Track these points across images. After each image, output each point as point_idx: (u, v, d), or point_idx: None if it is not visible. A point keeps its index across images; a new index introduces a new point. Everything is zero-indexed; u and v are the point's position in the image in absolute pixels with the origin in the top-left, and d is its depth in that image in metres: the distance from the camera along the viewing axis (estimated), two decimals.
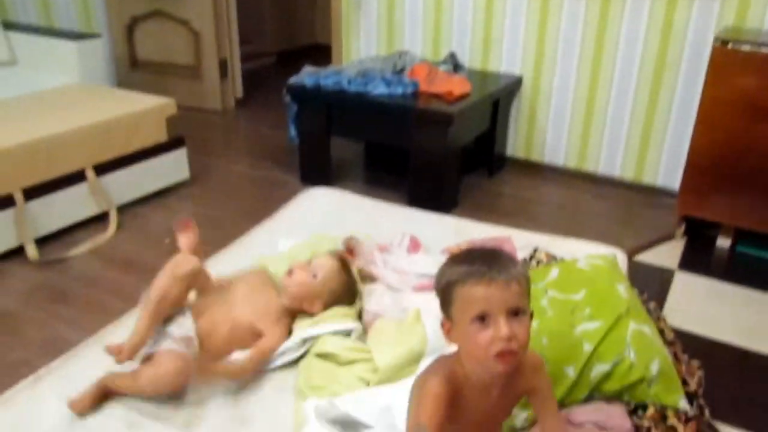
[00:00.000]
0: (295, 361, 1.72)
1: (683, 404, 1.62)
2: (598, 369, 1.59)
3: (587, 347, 1.61)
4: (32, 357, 2.12)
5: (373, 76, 3.25)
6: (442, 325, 1.15)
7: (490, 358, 1.06)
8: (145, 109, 3.21)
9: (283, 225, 2.50)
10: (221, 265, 2.17)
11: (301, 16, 6.76)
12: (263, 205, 3.28)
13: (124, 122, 3.12)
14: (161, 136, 3.27)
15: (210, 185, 3.54)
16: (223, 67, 4.67)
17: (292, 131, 3.44)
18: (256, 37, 6.24)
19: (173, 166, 3.38)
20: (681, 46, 3.23)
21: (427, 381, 1.14)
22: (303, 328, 1.76)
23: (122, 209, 3.16)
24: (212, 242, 2.88)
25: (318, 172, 3.47)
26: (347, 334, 1.77)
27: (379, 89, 3.17)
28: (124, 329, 1.81)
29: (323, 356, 1.69)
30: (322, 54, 6.06)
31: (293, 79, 3.34)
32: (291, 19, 6.69)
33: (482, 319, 1.06)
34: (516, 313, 1.07)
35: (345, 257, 1.94)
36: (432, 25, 3.80)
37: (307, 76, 3.33)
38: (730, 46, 2.71)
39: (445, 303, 1.13)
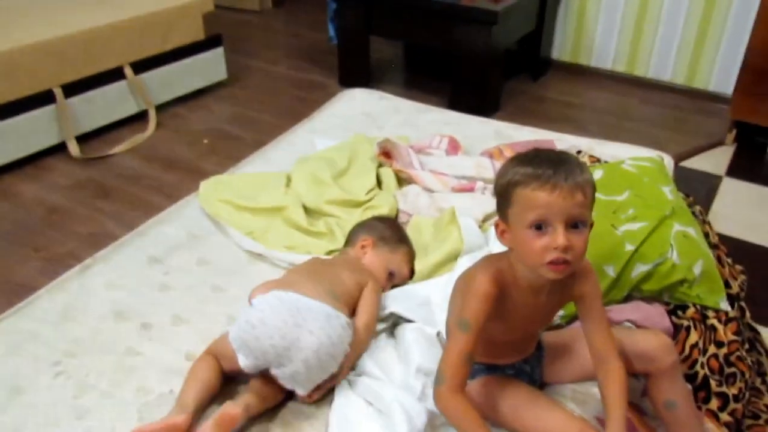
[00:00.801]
0: None
1: (724, 305, 1.61)
2: (640, 269, 1.57)
3: (629, 247, 1.59)
4: (79, 250, 2.19)
5: None
6: (496, 225, 1.12)
7: (543, 265, 1.04)
8: (182, 5, 3.15)
9: (320, 125, 2.48)
10: (259, 163, 2.18)
11: None
12: (301, 106, 3.25)
13: (161, 18, 3.07)
14: (198, 34, 3.23)
15: (248, 86, 3.51)
16: None
17: (332, 31, 3.36)
18: None
19: (210, 66, 3.35)
20: None
21: (475, 278, 1.13)
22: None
23: (161, 108, 3.16)
24: (251, 143, 2.90)
25: (357, 73, 3.40)
26: None
27: None
28: (166, 224, 1.86)
29: None
30: None
31: None
32: None
33: (540, 226, 1.03)
34: (576, 224, 1.04)
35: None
36: None
37: None
38: None
39: (503, 203, 1.09)
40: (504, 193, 1.08)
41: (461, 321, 1.12)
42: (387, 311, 1.49)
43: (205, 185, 1.98)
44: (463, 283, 1.16)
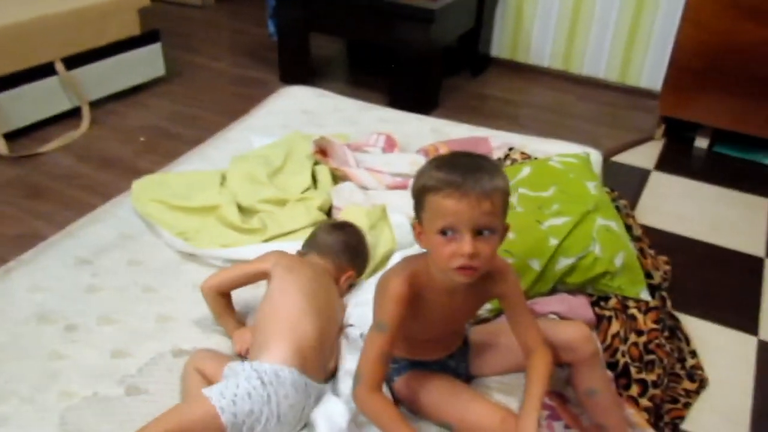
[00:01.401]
0: None
1: (644, 295, 1.68)
2: (563, 262, 1.63)
3: (553, 241, 1.64)
4: (5, 253, 2.12)
5: None
6: (413, 227, 1.15)
7: (451, 269, 1.07)
8: None
9: (258, 123, 2.47)
10: (195, 161, 2.16)
11: None
12: (242, 103, 3.21)
13: (94, 12, 3.00)
14: (134, 29, 3.16)
15: (187, 82, 3.46)
16: None
17: (271, 27, 3.34)
18: None
19: (148, 62, 3.29)
20: None
21: (389, 281, 1.16)
22: (279, 239, 1.74)
23: (96, 105, 3.09)
24: (189, 141, 2.86)
25: (298, 70, 3.39)
26: None
27: None
28: (97, 224, 1.83)
29: None
30: None
31: None
32: None
33: (448, 232, 1.06)
34: (484, 231, 1.06)
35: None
36: None
37: None
38: None
39: (418, 207, 1.12)
40: (418, 196, 1.11)
41: (377, 322, 1.15)
42: None
43: (138, 184, 1.95)
44: (380, 286, 1.18)
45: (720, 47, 2.74)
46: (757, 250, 2.33)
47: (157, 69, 3.35)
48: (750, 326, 1.97)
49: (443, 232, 1.06)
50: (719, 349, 1.87)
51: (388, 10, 2.97)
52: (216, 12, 4.57)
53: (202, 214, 1.85)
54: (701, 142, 3.02)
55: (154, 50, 3.29)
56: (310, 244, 1.57)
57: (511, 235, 1.66)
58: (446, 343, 1.32)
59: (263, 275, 1.42)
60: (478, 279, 1.12)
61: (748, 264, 2.26)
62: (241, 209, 1.86)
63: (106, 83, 3.12)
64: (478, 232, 1.05)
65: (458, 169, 1.06)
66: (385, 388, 1.31)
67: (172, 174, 2.08)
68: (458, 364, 1.36)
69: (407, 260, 1.23)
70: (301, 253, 1.56)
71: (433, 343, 1.30)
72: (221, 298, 1.45)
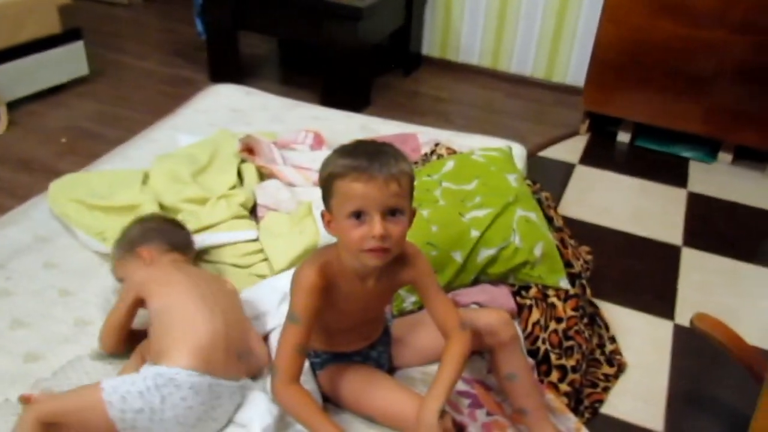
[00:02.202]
0: None
1: (564, 283, 1.73)
2: (485, 253, 1.66)
3: (474, 233, 1.67)
4: None
5: None
6: (323, 215, 1.15)
7: (362, 251, 1.09)
8: None
9: (184, 121, 2.43)
10: (117, 161, 2.11)
11: None
12: (170, 103, 3.15)
13: (10, 9, 2.89)
14: (54, 27, 3.06)
15: (113, 82, 3.37)
16: None
17: (200, 26, 3.29)
18: None
19: (69, 61, 3.18)
20: None
21: (301, 273, 1.16)
22: (199, 233, 1.72)
23: (14, 106, 2.97)
24: (113, 141, 2.78)
25: (228, 69, 3.34)
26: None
27: None
28: (10, 226, 1.76)
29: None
30: None
31: None
32: None
33: (358, 215, 1.07)
34: (393, 212, 1.08)
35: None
36: None
37: None
38: None
39: (326, 194, 1.13)
40: (326, 184, 1.12)
41: (290, 314, 1.15)
42: (257, 311, 1.49)
43: (56, 185, 1.89)
44: (293, 277, 1.18)
45: (638, 44, 2.84)
46: (675, 239, 2.43)
47: (80, 68, 3.25)
48: (667, 311, 2.05)
49: (354, 216, 1.07)
50: (638, 334, 1.94)
51: (316, 8, 2.97)
52: (144, 11, 4.47)
53: (122, 213, 1.80)
54: (623, 137, 3.13)
55: (76, 49, 3.19)
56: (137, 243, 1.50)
57: (434, 228, 1.69)
58: (364, 333, 1.33)
59: (137, 303, 1.37)
60: (389, 264, 1.14)
61: (667, 252, 2.35)
62: (164, 208, 1.83)
63: (24, 83, 3.01)
64: (387, 214, 1.08)
65: (363, 154, 1.08)
66: (314, 384, 1.31)
67: (92, 173, 2.02)
68: (380, 355, 1.37)
69: (318, 251, 1.23)
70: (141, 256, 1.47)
71: (352, 332, 1.30)
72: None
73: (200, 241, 1.68)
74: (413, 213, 1.15)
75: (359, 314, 1.26)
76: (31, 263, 1.65)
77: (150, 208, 1.79)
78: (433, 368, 1.39)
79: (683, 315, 2.03)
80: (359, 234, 1.08)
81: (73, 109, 3.07)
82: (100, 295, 1.57)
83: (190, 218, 1.76)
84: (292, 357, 1.13)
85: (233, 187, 1.96)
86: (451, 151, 2.18)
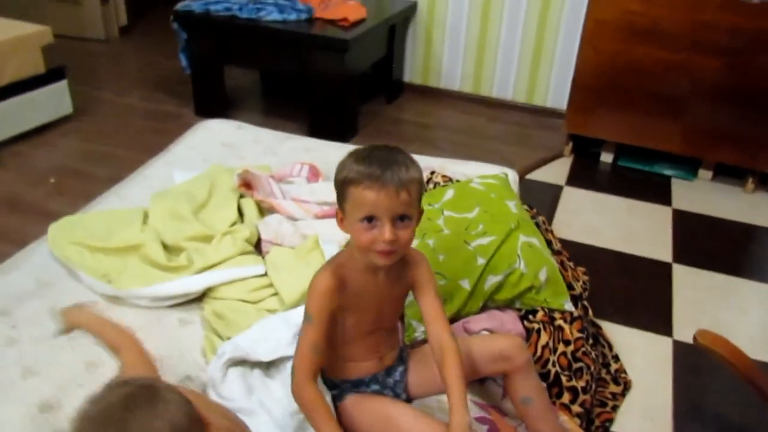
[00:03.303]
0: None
1: (568, 306, 1.76)
2: (492, 280, 1.69)
3: (481, 261, 1.70)
4: None
5: (265, 2, 3.14)
6: (336, 214, 1.23)
7: (371, 252, 1.18)
8: (18, 37, 2.97)
9: (177, 158, 2.43)
10: (113, 200, 2.10)
11: None
12: (157, 138, 3.15)
13: None
14: (38, 67, 3.05)
15: (97, 120, 3.36)
16: None
17: (184, 61, 3.30)
18: None
19: (53, 100, 3.17)
20: None
21: (315, 278, 1.25)
22: (207, 271, 1.73)
23: (0, 147, 2.95)
24: (104, 180, 2.77)
25: (213, 103, 3.36)
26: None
27: (272, 15, 3.08)
28: (12, 272, 1.74)
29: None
30: None
31: (180, 6, 3.17)
32: None
33: (370, 219, 1.15)
34: (402, 218, 1.16)
35: None
36: None
37: (195, 2, 3.17)
38: None
39: (341, 197, 1.20)
40: (340, 187, 1.20)
41: (306, 316, 1.22)
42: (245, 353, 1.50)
43: (55, 227, 1.88)
44: (310, 283, 1.25)
45: (617, 68, 2.94)
46: (665, 256, 2.49)
47: (64, 107, 3.24)
48: (665, 328, 2.10)
49: (366, 220, 1.15)
50: (639, 352, 1.98)
51: (302, 41, 3.01)
52: (121, 46, 4.47)
53: (125, 253, 1.80)
54: (606, 157, 3.21)
55: (60, 88, 3.18)
56: None
57: (441, 257, 1.72)
58: (381, 344, 1.35)
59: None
60: (396, 264, 1.22)
61: (658, 269, 2.41)
62: (166, 247, 1.83)
63: (10, 124, 2.99)
64: (396, 220, 1.15)
65: (376, 161, 1.15)
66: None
67: (89, 214, 2.01)
68: (396, 384, 1.38)
69: (330, 259, 1.31)
70: None
71: (367, 341, 1.33)
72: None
73: (208, 279, 1.68)
74: (421, 213, 1.23)
75: (374, 313, 1.30)
76: (36, 309, 1.63)
77: (152, 247, 1.79)
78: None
79: (681, 331, 2.08)
80: (370, 237, 1.16)
81: (59, 149, 3.05)
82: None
83: (195, 256, 1.77)
84: (307, 354, 1.20)
85: (234, 223, 1.97)
86: (447, 179, 2.21)
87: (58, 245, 1.80)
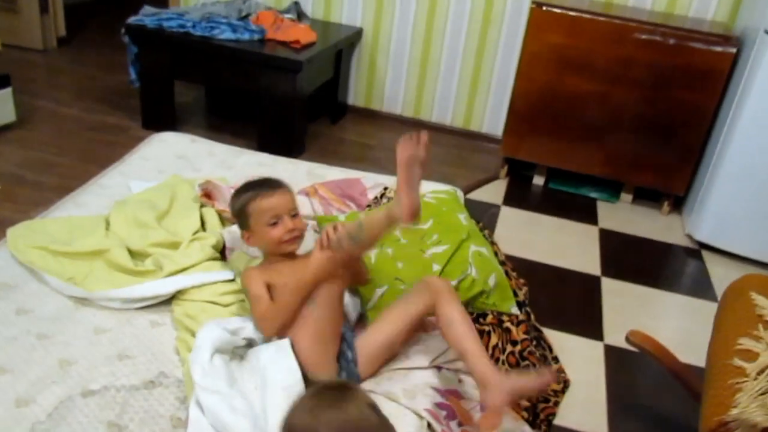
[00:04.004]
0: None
1: (515, 310, 1.92)
2: None
3: (436, 267, 1.84)
4: None
5: (219, 21, 3.22)
6: (243, 235, 1.64)
7: (283, 243, 1.59)
8: None
9: (132, 168, 2.46)
10: (70, 208, 2.11)
11: None
12: (103, 149, 3.16)
13: None
14: None
15: (41, 129, 3.32)
16: (43, 0, 4.29)
17: (133, 74, 3.32)
18: None
19: None
20: (503, 6, 3.56)
21: (243, 276, 1.63)
22: (174, 274, 1.79)
23: None
24: (52, 188, 2.77)
25: (162, 117, 3.39)
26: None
27: (225, 34, 3.16)
28: None
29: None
30: None
31: (133, 20, 3.21)
32: None
33: (274, 222, 1.58)
34: (295, 214, 1.61)
35: None
36: None
37: (147, 16, 3.21)
38: (544, 8, 3.06)
39: (244, 219, 1.62)
40: (243, 212, 1.62)
41: (254, 297, 1.57)
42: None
43: (14, 232, 1.89)
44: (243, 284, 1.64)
45: (549, 97, 3.18)
46: (594, 270, 2.71)
47: (7, 115, 3.19)
48: (596, 333, 2.30)
49: (272, 223, 1.58)
50: (575, 354, 2.17)
51: (257, 61, 3.10)
52: (60, 57, 4.41)
53: (90, 258, 1.83)
54: (538, 180, 3.45)
55: (4, 96, 3.14)
56: None
57: (399, 264, 1.85)
58: (332, 328, 1.57)
59: None
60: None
61: (588, 282, 2.62)
62: (131, 252, 1.87)
63: None
64: (292, 215, 1.60)
65: (260, 182, 1.66)
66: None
67: (48, 220, 2.02)
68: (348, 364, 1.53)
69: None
70: None
71: (324, 329, 1.54)
72: None
73: (180, 281, 1.74)
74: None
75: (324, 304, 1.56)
76: (2, 310, 1.64)
77: (118, 252, 1.83)
78: (413, 383, 1.53)
79: (611, 336, 2.29)
80: (279, 233, 1.58)
81: (3, 157, 3.00)
82: (81, 336, 1.60)
83: (164, 261, 1.82)
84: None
85: (197, 232, 2.03)
86: None
87: (20, 249, 1.81)
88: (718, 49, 2.91)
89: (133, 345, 1.61)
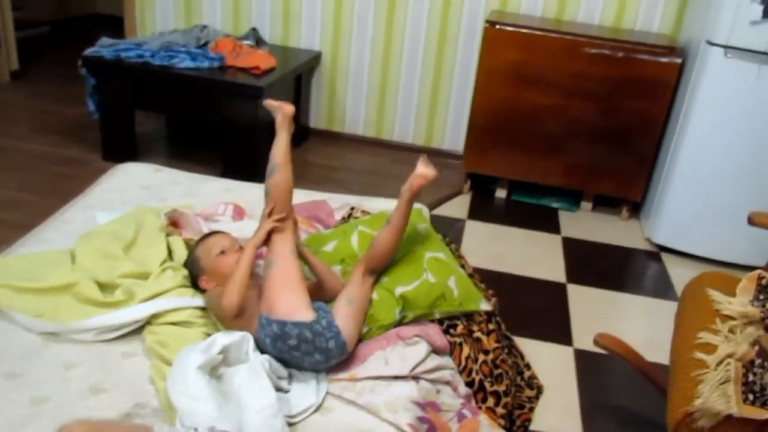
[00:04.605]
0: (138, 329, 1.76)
1: (484, 306, 1.94)
2: (400, 290, 1.84)
3: (385, 279, 1.87)
4: None
5: (178, 50, 3.23)
6: (201, 283, 1.77)
7: (233, 265, 1.71)
8: None
9: (96, 201, 2.44)
10: (33, 244, 2.09)
11: None
12: (65, 183, 3.13)
13: None
14: None
15: (1, 165, 3.27)
16: None
17: (92, 106, 3.30)
18: (27, 3, 5.70)
19: None
20: (458, 25, 3.65)
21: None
22: (148, 300, 1.79)
23: None
24: (14, 225, 2.72)
25: (122, 148, 3.37)
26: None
27: (185, 63, 3.17)
28: None
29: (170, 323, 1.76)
30: (104, 25, 5.73)
31: (90, 51, 3.20)
32: None
33: (221, 250, 1.77)
34: (239, 249, 1.79)
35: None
36: (231, 0, 3.85)
37: (105, 48, 3.21)
38: (497, 26, 3.16)
39: (196, 265, 1.80)
40: (194, 260, 1.82)
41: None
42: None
43: None
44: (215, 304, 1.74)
45: (507, 112, 3.27)
46: (560, 278, 2.78)
47: None
48: (565, 339, 2.36)
49: (221, 254, 1.77)
50: (545, 360, 2.21)
51: (218, 88, 3.12)
52: (13, 91, 4.36)
53: (57, 293, 1.80)
54: (501, 193, 3.53)
55: None
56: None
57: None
58: None
59: None
60: None
61: (555, 289, 2.68)
62: (100, 285, 1.85)
63: None
64: (235, 251, 1.79)
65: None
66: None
67: (11, 257, 1.99)
68: None
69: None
70: None
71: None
72: None
73: (155, 305, 1.74)
74: None
75: None
76: None
77: (86, 284, 1.81)
78: (395, 396, 1.56)
79: (579, 340, 2.35)
80: (230, 260, 1.75)
81: None
82: (53, 373, 1.58)
83: (136, 289, 1.81)
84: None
85: (165, 261, 2.02)
86: (367, 214, 2.38)
87: None
88: (664, 60, 3.04)
89: (106, 378, 1.60)
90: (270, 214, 1.78)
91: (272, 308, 1.61)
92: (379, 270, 1.90)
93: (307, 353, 1.58)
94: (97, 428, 1.33)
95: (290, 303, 1.61)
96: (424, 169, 1.85)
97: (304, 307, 1.62)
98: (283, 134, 1.95)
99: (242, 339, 1.61)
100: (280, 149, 1.93)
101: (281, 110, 1.97)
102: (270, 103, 2.00)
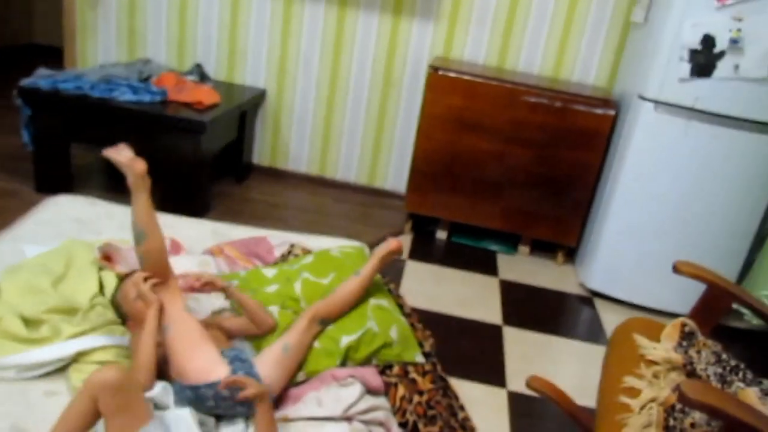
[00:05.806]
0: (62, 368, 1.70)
1: (420, 358, 1.97)
2: (346, 340, 1.86)
3: (331, 327, 1.87)
4: None
5: (118, 83, 3.19)
6: (128, 325, 1.73)
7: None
8: None
9: (25, 233, 2.37)
10: None
11: (11, 13, 6.14)
12: None
13: None
14: None
15: None
16: None
17: (26, 137, 3.21)
18: None
19: None
20: (402, 69, 3.74)
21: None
22: (75, 337, 1.73)
23: None
24: None
25: (57, 180, 3.28)
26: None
27: (125, 96, 3.13)
28: None
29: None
30: (42, 55, 5.61)
31: (26, 82, 3.12)
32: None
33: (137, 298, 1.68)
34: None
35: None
36: (176, 35, 3.83)
37: (41, 78, 3.14)
38: (440, 72, 3.25)
39: (119, 311, 1.76)
40: (116, 307, 1.78)
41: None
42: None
43: None
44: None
45: (448, 155, 3.34)
46: (496, 320, 2.82)
47: None
48: (499, 381, 2.39)
49: (138, 299, 1.70)
50: (480, 401, 2.23)
51: (159, 122, 3.09)
52: None
53: None
54: (441, 234, 3.58)
55: None
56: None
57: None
58: None
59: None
60: None
61: (491, 331, 2.72)
62: (25, 320, 1.79)
63: None
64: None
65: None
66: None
67: None
68: None
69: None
70: None
71: None
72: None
73: (81, 343, 1.69)
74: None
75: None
76: None
77: (10, 320, 1.76)
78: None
79: (513, 382, 2.37)
80: (144, 308, 1.67)
81: None
82: None
83: (63, 325, 1.76)
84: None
85: (95, 296, 1.97)
86: (307, 251, 2.39)
87: None
88: (599, 111, 3.18)
89: (27, 417, 1.55)
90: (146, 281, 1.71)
91: (182, 374, 1.57)
92: (332, 321, 1.88)
93: (228, 408, 1.55)
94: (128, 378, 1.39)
95: (199, 365, 1.56)
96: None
97: (215, 364, 1.57)
98: (141, 195, 1.74)
99: (164, 390, 1.57)
100: (142, 212, 1.72)
101: (131, 169, 1.78)
102: (115, 157, 1.83)
